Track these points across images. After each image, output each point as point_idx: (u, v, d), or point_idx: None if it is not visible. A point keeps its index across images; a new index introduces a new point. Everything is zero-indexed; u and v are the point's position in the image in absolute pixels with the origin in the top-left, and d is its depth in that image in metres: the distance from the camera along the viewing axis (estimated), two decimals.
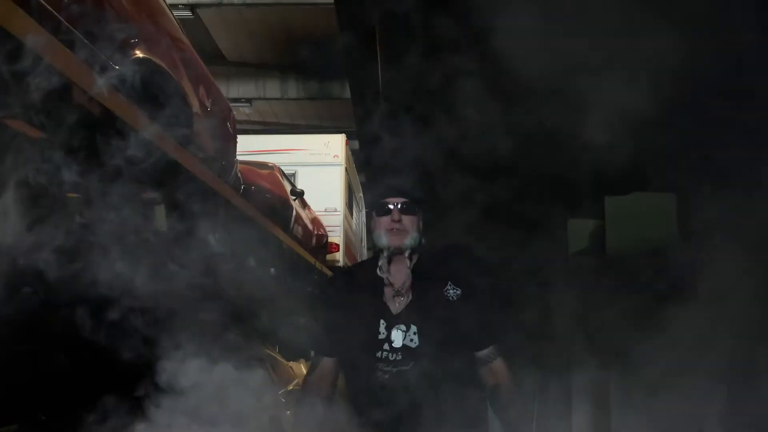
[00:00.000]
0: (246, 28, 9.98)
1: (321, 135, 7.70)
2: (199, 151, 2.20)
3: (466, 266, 1.96)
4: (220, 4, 8.77)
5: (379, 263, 1.83)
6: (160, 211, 1.67)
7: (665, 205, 2.26)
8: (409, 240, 1.82)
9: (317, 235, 5.71)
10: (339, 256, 6.96)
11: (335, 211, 7.05)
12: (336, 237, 6.93)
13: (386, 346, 1.81)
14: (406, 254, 1.82)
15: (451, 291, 1.86)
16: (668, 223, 2.23)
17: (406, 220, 1.83)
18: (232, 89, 11.56)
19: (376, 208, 1.88)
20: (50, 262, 1.31)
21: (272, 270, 3.09)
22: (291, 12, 9.10)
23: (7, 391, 1.52)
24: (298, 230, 4.81)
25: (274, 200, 3.72)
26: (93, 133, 1.46)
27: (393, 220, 1.82)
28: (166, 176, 1.66)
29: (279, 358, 3.75)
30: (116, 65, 1.59)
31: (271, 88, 11.80)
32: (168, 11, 2.21)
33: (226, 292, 2.24)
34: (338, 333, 1.84)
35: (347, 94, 10.53)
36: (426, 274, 1.86)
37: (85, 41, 1.51)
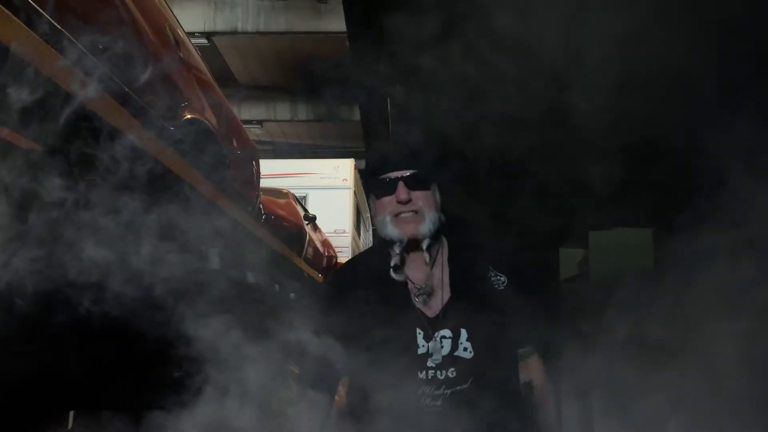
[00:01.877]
0: (258, 54, 10.38)
1: (331, 160, 8.03)
2: (232, 193, 2.51)
3: (504, 244, 1.55)
4: (234, 32, 9.17)
5: (392, 262, 1.39)
6: (214, 252, 1.97)
7: (643, 240, 2.55)
8: (426, 225, 1.37)
9: (327, 256, 6.01)
10: None
11: (344, 232, 7.36)
12: (344, 257, 7.22)
13: (431, 362, 1.36)
14: (425, 245, 1.38)
15: (494, 278, 1.43)
16: (645, 255, 2.52)
17: (418, 198, 1.38)
18: (244, 111, 11.95)
19: (374, 188, 1.43)
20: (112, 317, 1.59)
21: (291, 294, 3.38)
22: (301, 39, 9.47)
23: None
24: (310, 252, 5.11)
25: (290, 228, 4.03)
26: (155, 187, 1.77)
27: (399, 201, 1.37)
28: (218, 225, 1.96)
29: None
30: (173, 127, 1.91)
31: (282, 110, 12.18)
32: (209, 75, 2.54)
33: (252, 314, 2.53)
34: (353, 353, 1.38)
35: (355, 116, 10.93)
36: (460, 259, 1.44)
37: (150, 109, 1.83)
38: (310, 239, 5.00)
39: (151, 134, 1.74)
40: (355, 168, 7.67)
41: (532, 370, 1.48)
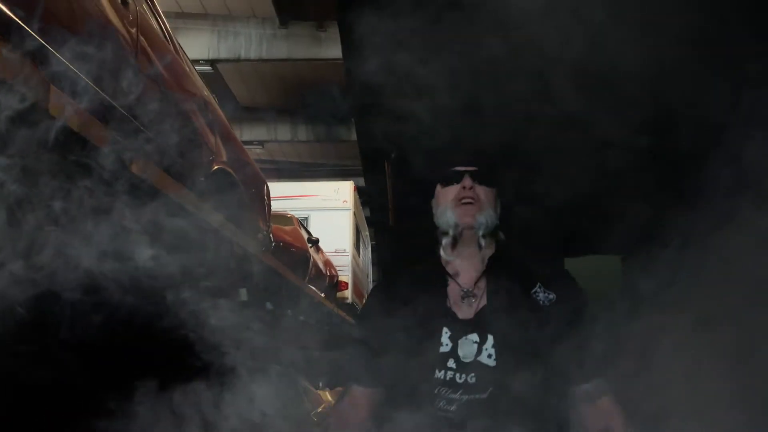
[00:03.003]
0: (260, 79, 10.77)
1: (331, 182, 8.38)
2: (248, 228, 2.85)
3: (560, 264, 1.60)
4: (238, 60, 9.56)
5: (442, 244, 1.41)
6: (243, 291, 2.30)
7: (612, 266, 2.89)
8: (484, 216, 1.38)
9: (329, 275, 6.35)
10: (348, 294, 7.58)
11: (344, 252, 7.70)
12: (345, 276, 7.56)
13: (452, 363, 1.33)
14: (480, 235, 1.39)
15: (541, 294, 1.39)
16: (614, 280, 2.86)
17: (481, 191, 1.41)
18: (246, 132, 12.31)
19: (440, 177, 1.45)
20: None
21: (301, 317, 3.71)
22: (301, 65, 9.86)
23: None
24: (313, 273, 5.45)
25: (297, 253, 4.37)
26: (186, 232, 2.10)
27: (464, 187, 1.40)
28: (241, 265, 2.29)
29: (308, 385, 4.35)
30: (203, 178, 2.25)
31: (282, 131, 12.56)
32: (227, 121, 2.89)
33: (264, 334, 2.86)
34: (379, 349, 1.36)
35: (352, 136, 11.30)
36: (505, 270, 1.40)
37: (186, 165, 2.18)
38: (314, 261, 5.34)
39: (186, 187, 2.08)
40: (355, 189, 8.02)
41: (606, 415, 1.33)
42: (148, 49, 2.03)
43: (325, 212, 7.59)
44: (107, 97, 1.72)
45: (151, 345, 2.00)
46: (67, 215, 1.42)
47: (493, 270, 1.41)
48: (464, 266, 1.42)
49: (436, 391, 1.33)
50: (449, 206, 1.41)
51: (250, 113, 12.02)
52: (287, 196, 7.56)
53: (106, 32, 1.79)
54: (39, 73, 1.30)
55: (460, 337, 1.35)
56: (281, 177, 13.24)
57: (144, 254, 1.69)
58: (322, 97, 10.58)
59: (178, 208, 1.98)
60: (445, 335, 1.36)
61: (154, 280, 1.89)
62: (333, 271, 6.69)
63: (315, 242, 5.46)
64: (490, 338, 1.34)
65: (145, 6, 2.18)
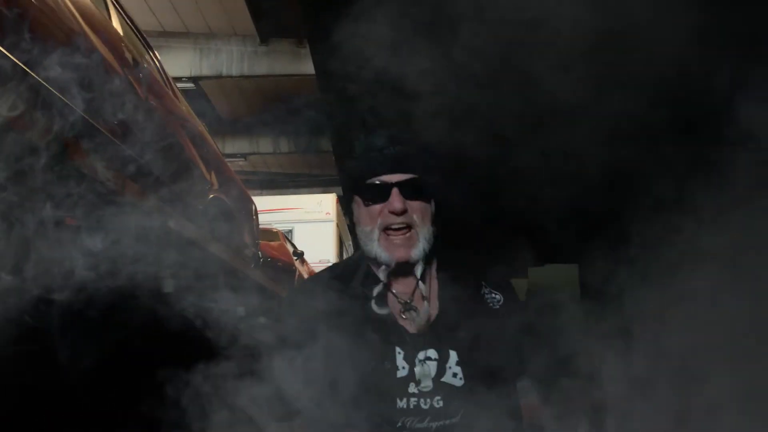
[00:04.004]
0: (242, 95, 11.02)
1: (314, 195, 8.66)
2: (239, 247, 3.12)
3: (499, 260, 1.36)
4: (219, 76, 9.80)
5: (375, 291, 1.20)
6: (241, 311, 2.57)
7: (571, 274, 3.20)
8: (420, 247, 1.18)
9: None
10: None
11: (328, 262, 7.96)
12: None
13: (413, 388, 1.16)
14: (418, 272, 1.21)
15: (488, 295, 1.25)
16: (573, 288, 3.17)
17: (415, 209, 1.18)
18: (228, 146, 12.53)
19: (360, 191, 1.22)
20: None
21: None
22: (283, 80, 10.13)
23: None
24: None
25: (284, 267, 4.64)
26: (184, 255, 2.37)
27: (392, 212, 1.16)
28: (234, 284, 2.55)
29: None
30: (201, 206, 2.53)
31: (264, 144, 12.81)
32: (218, 150, 3.16)
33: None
34: (317, 378, 1.13)
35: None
36: (450, 271, 1.25)
37: (185, 194, 2.44)
38: (299, 273, 5.61)
39: (185, 215, 2.35)
40: (338, 202, 8.30)
41: (533, 410, 1.26)
42: (152, 95, 2.30)
43: (309, 224, 7.87)
44: (126, 148, 1.99)
45: (150, 362, 2.22)
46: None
47: (440, 272, 1.25)
48: (400, 279, 1.23)
49: (401, 423, 1.15)
50: (377, 236, 1.18)
51: (233, 127, 12.25)
52: (272, 209, 7.81)
53: (116, 87, 2.06)
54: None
55: (417, 357, 1.17)
56: (264, 187, 13.53)
57: (147, 278, 1.88)
58: (302, 110, 10.86)
59: (178, 238, 2.24)
60: (399, 356, 1.17)
61: (158, 303, 2.13)
62: None
63: (300, 255, 5.73)
64: (453, 354, 1.18)
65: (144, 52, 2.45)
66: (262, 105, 11.42)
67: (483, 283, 1.28)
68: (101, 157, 1.77)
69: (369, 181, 1.21)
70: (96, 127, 1.80)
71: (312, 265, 7.15)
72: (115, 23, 2.26)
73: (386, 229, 1.20)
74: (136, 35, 2.46)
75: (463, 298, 1.23)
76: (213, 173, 2.79)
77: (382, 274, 1.22)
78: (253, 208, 3.78)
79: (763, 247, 1.61)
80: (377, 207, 1.20)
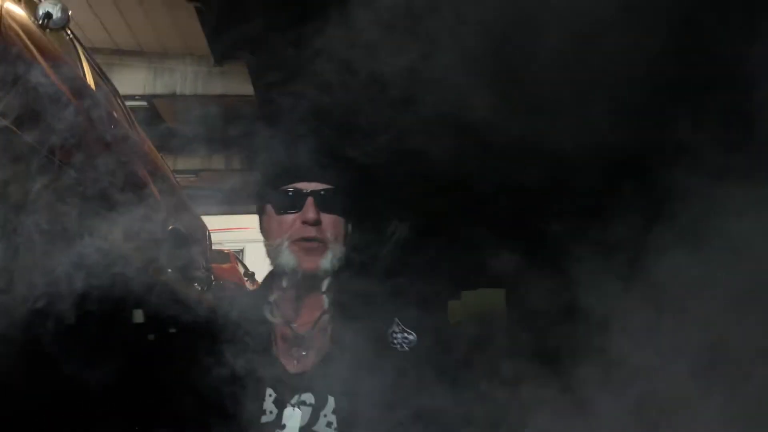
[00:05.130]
0: (195, 113, 11.12)
1: None
2: (191, 273, 3.33)
3: (422, 293, 1.18)
4: (173, 95, 9.90)
5: (271, 298, 1.13)
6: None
7: (498, 298, 3.53)
8: (330, 259, 1.11)
9: None
10: None
11: None
12: None
13: None
14: (324, 285, 1.11)
15: (399, 335, 1.11)
16: (499, 311, 3.50)
17: (329, 223, 1.11)
18: (180, 162, 12.53)
19: (272, 199, 1.16)
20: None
21: None
22: (236, 101, 10.28)
23: None
24: None
25: (235, 288, 4.84)
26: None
27: (306, 221, 1.10)
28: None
29: None
30: (161, 237, 2.74)
31: (217, 161, 12.88)
32: (173, 177, 3.37)
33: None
34: (162, 419, 1.02)
35: None
36: (350, 305, 1.10)
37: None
38: None
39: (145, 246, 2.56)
40: None
41: None
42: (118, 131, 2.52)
43: (261, 243, 8.03)
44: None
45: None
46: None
47: (340, 306, 1.11)
48: (301, 305, 1.12)
49: None
50: (286, 246, 1.11)
51: (185, 144, 12.21)
52: (223, 228, 7.95)
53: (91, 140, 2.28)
54: None
55: (289, 401, 1.04)
56: (216, 203, 13.54)
57: (111, 306, 2.05)
58: (255, 129, 11.02)
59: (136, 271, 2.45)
60: (269, 399, 1.05)
61: (121, 327, 2.32)
62: None
63: (251, 276, 5.93)
64: (331, 400, 1.04)
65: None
66: (216, 124, 11.46)
67: (396, 320, 1.12)
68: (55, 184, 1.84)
69: (283, 188, 1.13)
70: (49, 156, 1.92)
71: None
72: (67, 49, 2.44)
73: (296, 241, 1.11)
74: (87, 59, 2.67)
75: (362, 338, 1.06)
76: (170, 203, 3.01)
77: (285, 282, 1.11)
78: (207, 233, 3.99)
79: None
80: (289, 217, 1.13)
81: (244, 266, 6.04)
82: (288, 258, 1.13)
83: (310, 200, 1.13)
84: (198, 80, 9.95)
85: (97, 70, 2.79)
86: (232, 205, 12.79)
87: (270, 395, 1.08)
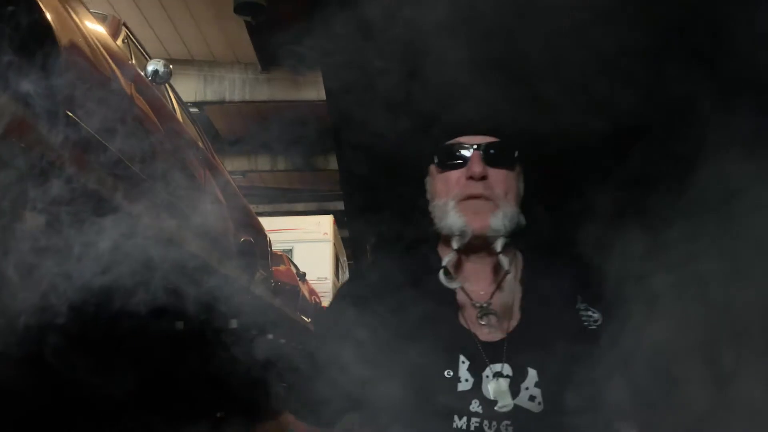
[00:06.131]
0: (243, 117, 11.60)
1: (313, 216, 9.26)
2: (259, 277, 3.70)
3: (600, 272, 1.09)
4: (222, 102, 10.37)
5: (444, 262, 1.04)
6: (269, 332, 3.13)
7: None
8: (501, 218, 1.02)
9: (314, 303, 7.19)
10: None
11: (325, 279, 8.57)
12: (327, 301, 8.42)
13: (475, 406, 0.98)
14: (498, 245, 1.02)
15: (584, 312, 1.05)
16: None
17: (497, 178, 1.03)
18: (227, 163, 13.05)
19: (436, 156, 1.08)
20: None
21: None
22: (282, 106, 10.71)
23: None
24: (302, 302, 6.28)
25: (291, 289, 5.22)
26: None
27: (471, 177, 1.02)
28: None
29: None
30: (234, 247, 3.11)
31: (262, 162, 13.38)
32: (249, 206, 3.75)
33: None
34: (359, 382, 0.98)
35: (330, 165, 12.20)
36: (539, 278, 1.06)
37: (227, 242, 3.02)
38: (302, 293, 6.18)
39: (222, 257, 2.92)
40: (334, 223, 8.91)
41: None
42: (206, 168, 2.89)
43: (308, 244, 8.47)
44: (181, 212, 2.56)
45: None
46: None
47: (525, 279, 1.07)
48: (475, 278, 1.07)
49: None
50: (452, 206, 1.03)
51: (232, 146, 12.80)
52: (273, 230, 8.38)
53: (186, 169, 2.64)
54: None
55: (485, 369, 0.99)
56: (262, 202, 14.08)
57: (194, 306, 2.12)
58: (300, 132, 11.45)
59: (220, 277, 2.81)
60: (463, 366, 0.99)
61: (200, 326, 2.66)
62: (317, 299, 7.54)
63: (303, 276, 6.31)
64: (532, 373, 0.99)
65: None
66: (262, 127, 12.00)
67: (579, 296, 1.06)
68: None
69: (447, 143, 1.05)
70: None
71: (310, 282, 7.73)
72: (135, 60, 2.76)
73: (463, 200, 1.03)
74: (179, 104, 3.05)
75: (553, 310, 1.03)
76: (244, 222, 3.38)
77: (455, 244, 1.03)
78: (269, 240, 4.35)
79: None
80: (454, 174, 1.04)
81: (296, 267, 6.43)
82: (454, 218, 1.03)
83: (475, 154, 1.03)
84: (246, 87, 10.40)
85: (188, 115, 3.17)
86: (277, 201, 13.29)
87: (462, 361, 1.00)
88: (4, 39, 1.42)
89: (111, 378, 1.77)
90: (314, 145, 11.84)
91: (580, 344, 1.00)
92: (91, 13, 2.22)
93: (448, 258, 1.05)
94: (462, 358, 1.00)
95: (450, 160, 1.06)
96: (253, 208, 9.19)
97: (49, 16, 1.58)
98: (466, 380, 0.99)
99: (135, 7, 8.54)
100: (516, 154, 1.07)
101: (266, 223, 8.97)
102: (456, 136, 1.06)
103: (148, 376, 2.05)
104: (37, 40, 1.53)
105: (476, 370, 1.00)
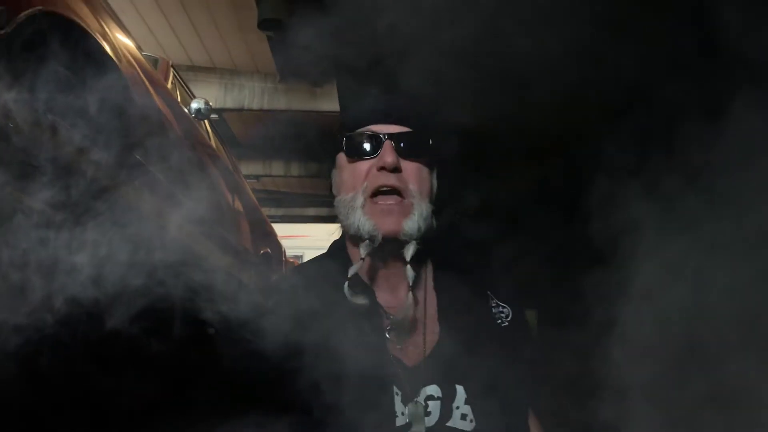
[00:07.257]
0: (260, 124, 11.98)
1: (326, 224, 9.60)
2: None
3: (506, 267, 1.03)
4: (241, 110, 10.74)
5: (351, 271, 0.92)
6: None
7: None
8: (415, 220, 0.93)
9: None
10: None
11: None
12: None
13: None
14: (408, 252, 0.93)
15: (496, 310, 0.99)
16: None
17: (410, 171, 0.94)
18: (243, 167, 13.43)
19: (344, 145, 0.99)
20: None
21: None
22: (300, 115, 11.06)
23: None
24: None
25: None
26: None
27: (383, 167, 0.93)
28: None
29: None
30: (256, 259, 3.45)
31: (277, 167, 13.74)
32: (267, 219, 4.09)
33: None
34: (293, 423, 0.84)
35: None
36: (452, 281, 0.97)
37: (248, 255, 3.36)
38: None
39: (244, 268, 3.26)
40: None
41: None
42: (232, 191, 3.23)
43: (318, 252, 8.79)
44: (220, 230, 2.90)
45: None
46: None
47: (438, 283, 0.97)
48: (385, 286, 0.96)
49: None
50: (360, 203, 0.95)
51: (248, 151, 13.17)
52: (284, 236, 8.73)
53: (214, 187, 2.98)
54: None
55: (414, 397, 0.90)
56: (275, 205, 14.46)
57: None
58: (314, 140, 11.79)
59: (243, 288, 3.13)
60: (398, 398, 0.91)
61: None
62: None
63: None
64: (460, 390, 0.92)
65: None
66: (278, 134, 12.36)
67: (490, 293, 1.01)
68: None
69: (357, 131, 0.96)
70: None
71: None
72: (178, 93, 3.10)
73: (373, 195, 0.95)
74: (215, 136, 3.39)
75: (470, 317, 0.96)
76: (264, 236, 3.72)
77: (363, 251, 0.92)
78: (283, 249, 4.69)
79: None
80: (364, 164, 0.96)
81: None
82: (362, 220, 0.93)
83: (388, 143, 0.94)
84: (264, 96, 10.76)
85: (222, 143, 3.51)
86: (290, 205, 13.65)
87: (396, 393, 0.90)
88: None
89: (142, 387, 1.83)
90: (327, 153, 12.17)
91: (498, 345, 0.95)
92: (143, 55, 2.56)
93: (355, 267, 0.93)
94: (395, 389, 0.91)
95: (360, 149, 0.95)
96: (266, 211, 9.52)
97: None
98: (402, 414, 0.90)
99: (161, 15, 8.93)
100: (431, 145, 0.96)
101: (278, 229, 9.32)
102: (367, 125, 0.96)
103: (179, 380, 2.17)
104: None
105: (407, 400, 0.91)
